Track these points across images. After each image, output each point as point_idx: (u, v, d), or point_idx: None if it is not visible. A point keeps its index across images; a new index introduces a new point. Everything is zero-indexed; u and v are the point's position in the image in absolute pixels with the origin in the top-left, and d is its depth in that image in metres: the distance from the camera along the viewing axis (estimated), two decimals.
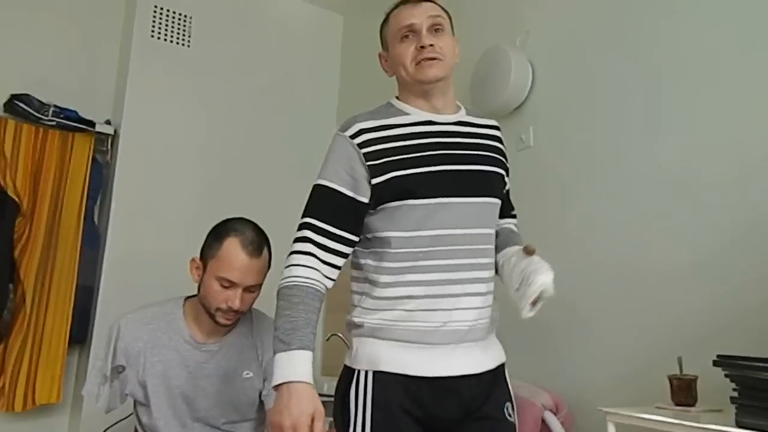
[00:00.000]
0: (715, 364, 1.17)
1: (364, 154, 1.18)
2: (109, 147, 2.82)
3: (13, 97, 2.63)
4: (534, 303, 1.15)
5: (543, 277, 1.14)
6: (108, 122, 2.84)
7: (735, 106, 1.51)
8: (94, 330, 2.60)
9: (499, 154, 1.32)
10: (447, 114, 1.27)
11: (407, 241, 1.16)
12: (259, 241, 1.48)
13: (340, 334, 2.68)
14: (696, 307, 1.52)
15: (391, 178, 1.17)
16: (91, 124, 2.75)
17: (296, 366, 1.05)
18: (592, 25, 1.94)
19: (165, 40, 2.90)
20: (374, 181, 1.17)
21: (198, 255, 1.51)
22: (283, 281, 1.15)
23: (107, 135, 2.80)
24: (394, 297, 1.15)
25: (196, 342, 1.51)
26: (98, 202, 2.82)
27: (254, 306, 1.55)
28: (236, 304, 1.44)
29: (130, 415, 2.37)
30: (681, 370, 1.38)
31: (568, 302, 1.76)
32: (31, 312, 2.53)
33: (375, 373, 1.12)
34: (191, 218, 2.76)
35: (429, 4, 1.26)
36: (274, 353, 1.07)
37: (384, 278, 1.16)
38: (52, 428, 2.67)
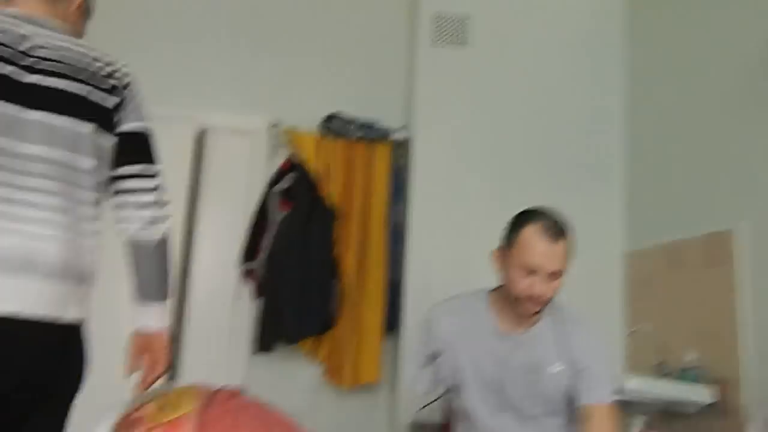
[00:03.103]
0: None
1: None
2: (405, 152, 3.08)
3: (327, 117, 3.05)
4: None
5: None
6: (402, 129, 3.11)
7: None
8: (403, 320, 2.86)
9: None
10: None
11: None
12: (559, 227, 1.44)
13: (646, 328, 2.48)
14: None
15: None
16: (388, 133, 3.04)
17: None
18: None
19: (446, 43, 3.05)
20: None
21: (498, 247, 1.54)
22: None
23: (402, 141, 3.07)
24: None
25: (501, 333, 1.54)
26: (399, 205, 3.10)
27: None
28: (538, 291, 1.42)
29: (440, 397, 2.56)
30: None
31: None
32: (351, 303, 2.91)
33: None
34: (486, 216, 2.85)
35: None
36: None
37: None
38: (373, 404, 3.03)
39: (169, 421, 1.50)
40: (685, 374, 2.29)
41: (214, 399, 1.56)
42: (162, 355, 1.30)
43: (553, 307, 1.55)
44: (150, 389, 1.39)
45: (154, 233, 1.26)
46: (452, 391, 1.63)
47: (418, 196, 2.92)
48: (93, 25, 1.51)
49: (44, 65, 1.16)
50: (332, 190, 2.94)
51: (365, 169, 3.02)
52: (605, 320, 2.79)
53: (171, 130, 3.07)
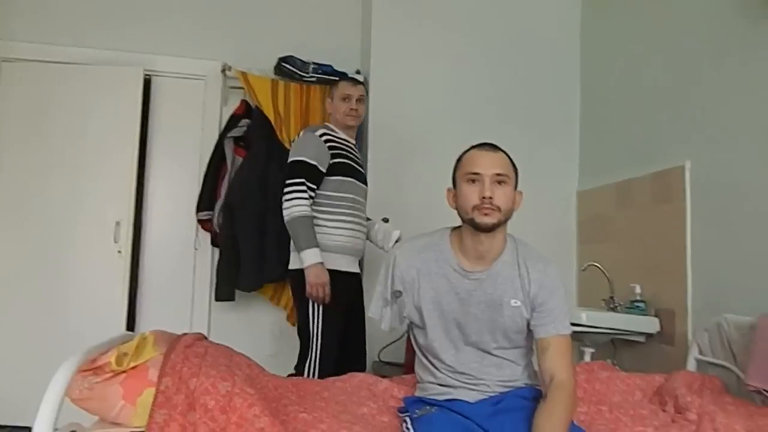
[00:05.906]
0: None
1: None
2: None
3: (281, 60, 2.96)
4: None
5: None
6: (358, 72, 3.05)
7: None
8: (366, 261, 2.88)
9: None
10: None
11: None
12: (495, 146, 1.54)
13: (598, 264, 2.58)
14: None
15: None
16: (344, 75, 2.98)
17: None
18: None
19: None
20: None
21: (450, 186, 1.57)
22: None
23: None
24: None
25: (464, 270, 1.57)
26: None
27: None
28: (487, 192, 1.46)
29: (400, 338, 2.62)
30: None
31: None
32: None
33: None
34: (443, 158, 2.84)
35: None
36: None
37: None
38: None
39: (133, 368, 1.49)
40: (633, 306, 2.41)
41: (177, 344, 1.56)
42: (309, 281, 2.23)
43: (513, 244, 1.59)
44: (113, 338, 1.42)
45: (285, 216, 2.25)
46: (416, 328, 1.66)
47: (375, 139, 2.90)
48: None
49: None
50: (289, 134, 2.89)
51: (321, 112, 2.97)
52: (561, 257, 2.89)
53: (119, 75, 2.93)
